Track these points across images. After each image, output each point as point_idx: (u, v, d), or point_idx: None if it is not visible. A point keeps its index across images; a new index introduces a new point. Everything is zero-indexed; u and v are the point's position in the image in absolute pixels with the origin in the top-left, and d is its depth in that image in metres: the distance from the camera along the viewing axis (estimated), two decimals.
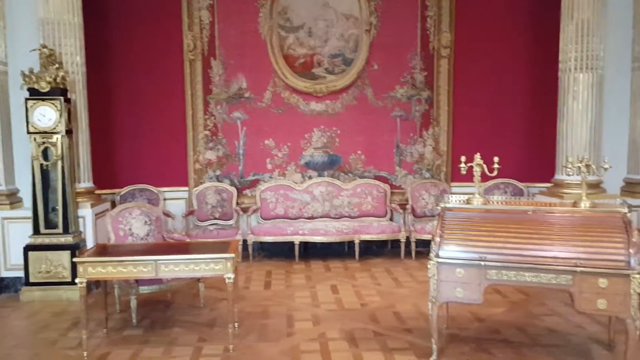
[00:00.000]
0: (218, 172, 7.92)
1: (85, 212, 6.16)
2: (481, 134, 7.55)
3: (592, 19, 5.76)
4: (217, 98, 7.86)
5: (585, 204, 4.11)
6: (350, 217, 7.74)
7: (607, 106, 6.18)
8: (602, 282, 3.69)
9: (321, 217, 7.74)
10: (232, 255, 4.33)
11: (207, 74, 7.79)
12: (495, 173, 4.36)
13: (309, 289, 6.08)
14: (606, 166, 4.30)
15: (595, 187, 5.93)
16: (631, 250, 3.66)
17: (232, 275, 4.30)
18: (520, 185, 7.52)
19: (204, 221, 7.67)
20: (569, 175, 5.81)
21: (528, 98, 7.65)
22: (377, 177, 7.95)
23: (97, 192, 6.82)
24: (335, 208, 7.77)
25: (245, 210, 7.68)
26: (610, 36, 6.10)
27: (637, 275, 3.61)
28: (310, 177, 7.94)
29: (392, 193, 7.88)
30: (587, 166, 4.20)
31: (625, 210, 3.91)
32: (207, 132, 7.88)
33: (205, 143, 7.88)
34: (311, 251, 7.58)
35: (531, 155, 7.56)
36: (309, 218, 7.71)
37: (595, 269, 3.70)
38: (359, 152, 7.97)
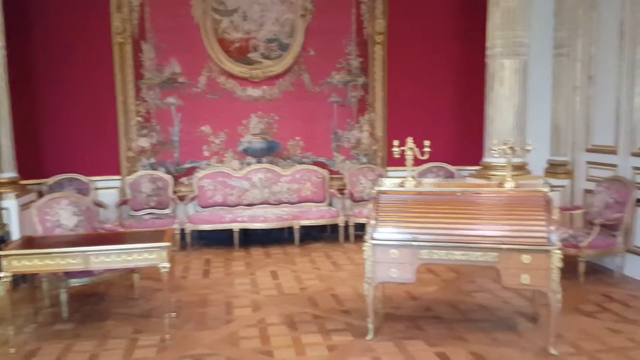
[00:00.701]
0: (152, 160, 7.71)
1: (9, 203, 5.85)
2: (415, 120, 7.74)
3: (517, 7, 6.00)
4: (149, 83, 7.61)
5: (510, 185, 4.32)
6: (289, 203, 7.76)
7: (531, 91, 6.48)
8: (526, 258, 3.90)
9: (260, 203, 7.71)
10: (167, 244, 4.25)
11: (138, 58, 7.53)
12: (426, 157, 4.49)
13: (249, 276, 6.06)
14: (529, 148, 4.53)
15: (521, 168, 6.23)
16: (552, 228, 3.89)
17: (167, 265, 4.22)
18: (451, 168, 7.78)
19: (138, 210, 7.46)
20: (494, 157, 6.13)
21: (459, 84, 7.90)
22: (315, 163, 7.99)
23: (23, 182, 6.48)
24: (274, 194, 7.75)
25: (182, 198, 7.53)
26: (534, 24, 6.37)
27: (557, 251, 3.84)
28: (248, 164, 7.87)
29: (330, 178, 7.94)
30: (511, 149, 4.40)
31: (547, 190, 4.15)
32: (139, 119, 7.63)
33: (137, 130, 7.63)
34: (251, 238, 7.56)
35: (462, 139, 7.84)
36: (248, 205, 7.66)
37: (519, 245, 3.90)
38: (298, 138, 7.97)
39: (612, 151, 5.90)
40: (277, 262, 6.62)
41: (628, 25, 5.58)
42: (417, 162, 4.64)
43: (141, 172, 7.59)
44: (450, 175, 7.74)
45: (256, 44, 7.77)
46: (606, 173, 5.94)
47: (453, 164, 7.84)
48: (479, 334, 4.32)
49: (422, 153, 4.50)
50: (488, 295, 5.25)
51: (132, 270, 5.19)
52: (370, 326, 4.25)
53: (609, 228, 5.50)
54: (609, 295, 5.11)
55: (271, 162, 7.92)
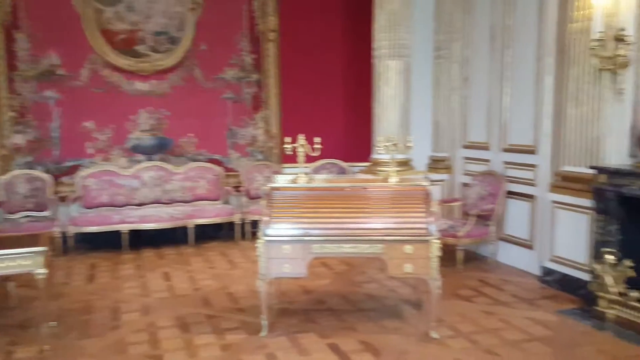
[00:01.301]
0: (29, 159, 7.12)
1: None
2: (309, 117, 7.86)
3: (399, 10, 6.33)
4: (24, 75, 7.02)
5: (394, 180, 4.55)
6: (183, 202, 7.55)
7: (415, 91, 6.86)
8: (408, 248, 4.12)
9: (152, 203, 7.42)
10: (43, 248, 3.96)
11: (10, 49, 6.91)
12: (317, 153, 4.59)
13: (139, 279, 5.82)
14: (410, 145, 4.81)
15: (405, 164, 6.58)
16: (431, 219, 4.15)
17: (43, 271, 3.94)
18: (343, 164, 8.03)
19: (14, 213, 6.86)
20: (381, 154, 6.42)
21: (350, 83, 8.15)
22: (210, 160, 7.85)
23: None
24: (167, 193, 7.50)
25: (64, 199, 7.05)
26: (416, 27, 6.75)
27: (436, 241, 4.11)
28: (138, 162, 7.54)
29: (226, 176, 7.85)
30: (395, 145, 4.64)
31: (426, 184, 4.42)
32: (13, 114, 7.01)
33: (11, 126, 7.01)
34: (143, 240, 7.25)
35: (353, 137, 8.10)
36: (138, 205, 7.34)
37: (403, 237, 4.12)
38: (191, 134, 7.78)
39: (485, 147, 6.42)
40: (170, 264, 6.42)
41: (498, 30, 6.08)
42: (311, 158, 4.74)
43: (16, 172, 6.98)
44: (342, 172, 7.98)
45: (144, 37, 7.45)
46: (480, 167, 6.46)
47: (345, 161, 8.08)
48: (368, 323, 4.51)
49: (313, 150, 4.61)
50: (376, 285, 5.50)
51: (6, 278, 4.77)
52: (264, 322, 4.27)
53: (484, 218, 5.99)
54: (484, 280, 5.56)
55: (163, 160, 7.66)
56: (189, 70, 7.68)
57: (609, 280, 4.32)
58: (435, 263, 4.12)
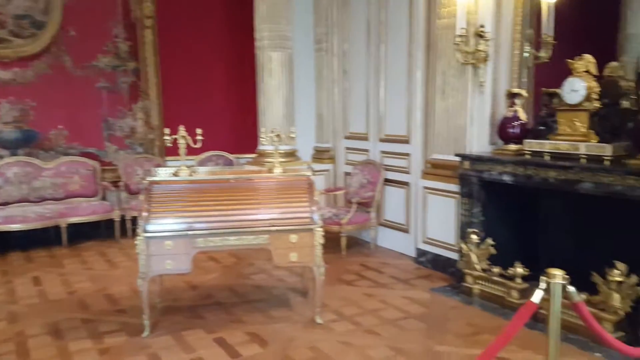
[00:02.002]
0: None
1: None
2: (193, 108, 7.66)
3: (279, 1, 6.37)
4: None
5: (278, 171, 4.59)
6: (55, 199, 7.00)
7: (299, 83, 6.96)
8: (293, 237, 4.19)
9: (18, 201, 6.79)
10: None
11: None
12: (199, 145, 4.49)
13: (4, 285, 5.32)
14: (293, 136, 4.89)
15: (291, 155, 6.67)
16: (314, 208, 4.25)
17: None
18: (230, 156, 7.94)
19: None
20: (267, 145, 6.45)
21: (236, 73, 8.03)
22: (84, 154, 7.35)
23: None
24: (35, 190, 6.91)
25: None
26: (297, 19, 6.83)
27: (319, 229, 4.21)
28: (1, 157, 6.86)
29: (103, 170, 7.40)
30: (278, 137, 4.68)
31: (309, 174, 4.51)
32: None
33: None
34: (9, 242, 6.60)
35: (240, 128, 8.02)
36: (2, 204, 6.68)
37: (287, 226, 4.17)
38: (61, 126, 7.22)
39: (364, 138, 6.70)
40: (41, 267, 5.93)
41: (373, 25, 6.34)
42: (195, 151, 4.61)
43: None
44: (229, 163, 7.88)
45: (4, 20, 6.77)
46: (361, 157, 6.73)
47: (232, 153, 7.99)
48: (256, 314, 4.53)
49: (195, 141, 4.50)
50: (265, 276, 5.53)
51: None
52: (146, 322, 4.12)
53: (364, 205, 6.26)
54: (365, 265, 5.83)
55: (29, 154, 7.03)
56: (57, 57, 7.11)
57: (474, 258, 4.73)
58: (319, 251, 4.22)
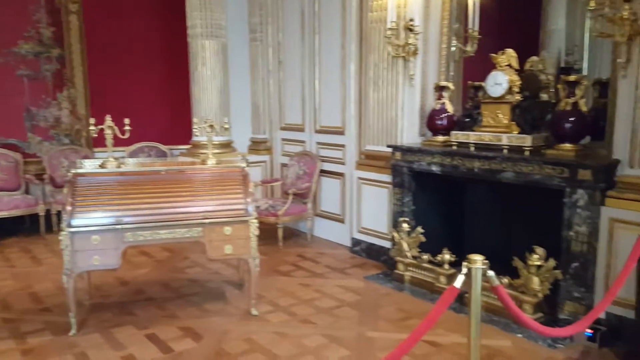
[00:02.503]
0: None
1: None
2: (123, 97, 7.36)
3: None
4: None
5: (212, 162, 4.52)
6: None
7: (234, 73, 6.86)
8: (228, 229, 4.15)
9: None
10: None
11: None
12: (127, 136, 4.34)
13: None
14: (227, 127, 4.82)
15: (227, 146, 6.58)
16: (248, 200, 4.22)
17: None
18: (163, 147, 7.72)
19: None
20: (197, 136, 6.34)
21: (167, 62, 7.80)
22: (5, 146, 6.93)
23: None
24: None
25: None
26: (231, 8, 6.72)
27: (254, 220, 4.19)
28: None
29: (25, 163, 7.02)
30: (211, 127, 4.60)
31: (244, 165, 4.47)
32: None
33: None
34: None
35: (174, 118, 7.80)
36: None
37: (222, 218, 4.12)
38: None
39: (300, 129, 6.71)
40: None
41: (307, 16, 6.34)
42: (125, 142, 4.44)
43: None
44: (162, 155, 7.68)
45: None
46: (297, 148, 6.74)
47: (166, 143, 7.78)
48: (190, 308, 4.46)
49: (123, 132, 4.35)
50: (200, 269, 5.45)
51: None
52: (73, 320, 3.96)
53: (301, 196, 6.29)
54: (302, 255, 5.87)
55: None
56: None
57: (405, 246, 4.87)
58: (254, 242, 4.20)
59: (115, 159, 4.34)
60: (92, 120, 4.29)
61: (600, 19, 3.53)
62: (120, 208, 4.02)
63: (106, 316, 4.30)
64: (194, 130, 6.35)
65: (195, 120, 5.41)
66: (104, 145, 4.41)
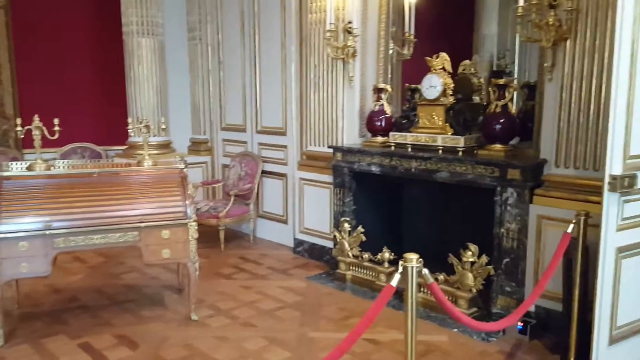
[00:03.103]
0: None
1: None
2: (55, 97, 7.03)
3: None
4: None
5: (148, 164, 4.39)
6: None
7: (172, 72, 6.71)
8: (165, 233, 4.05)
9: None
10: None
11: None
12: (56, 136, 4.15)
13: None
14: (163, 127, 4.70)
15: (166, 147, 6.43)
16: (187, 202, 4.14)
17: None
18: (97, 148, 7.43)
19: None
20: (133, 136, 6.15)
21: (101, 60, 7.49)
22: None
23: None
24: None
25: None
26: (168, 5, 6.57)
27: (193, 223, 4.11)
28: None
29: None
30: (147, 127, 4.48)
31: (182, 166, 4.37)
32: None
33: None
34: None
35: (109, 118, 7.51)
36: None
37: (159, 222, 4.02)
38: None
39: (242, 129, 6.63)
40: None
41: (248, 16, 6.27)
42: (56, 143, 4.25)
43: None
44: (97, 156, 7.39)
45: None
46: (238, 149, 6.66)
47: (100, 144, 7.49)
48: (126, 315, 4.32)
49: (52, 133, 4.15)
50: (136, 274, 5.29)
51: None
52: (0, 331, 3.75)
53: (243, 197, 6.22)
54: (244, 257, 5.81)
55: None
56: None
57: (346, 245, 4.92)
58: (193, 246, 4.13)
59: (45, 160, 4.14)
60: (18, 121, 4.07)
61: (527, 24, 3.70)
62: (50, 213, 3.85)
63: (36, 326, 4.10)
64: (129, 130, 6.14)
65: (130, 120, 5.23)
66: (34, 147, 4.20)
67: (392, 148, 4.65)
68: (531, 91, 4.10)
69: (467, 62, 4.56)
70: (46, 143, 4.23)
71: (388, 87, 4.91)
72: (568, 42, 3.51)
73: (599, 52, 3.38)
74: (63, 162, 4.51)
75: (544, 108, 3.78)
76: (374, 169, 4.76)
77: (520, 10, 3.57)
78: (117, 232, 3.96)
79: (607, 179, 2.81)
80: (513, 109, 3.98)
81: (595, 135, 3.44)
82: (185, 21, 6.89)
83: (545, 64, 3.67)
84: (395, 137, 4.65)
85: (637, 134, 2.86)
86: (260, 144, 6.41)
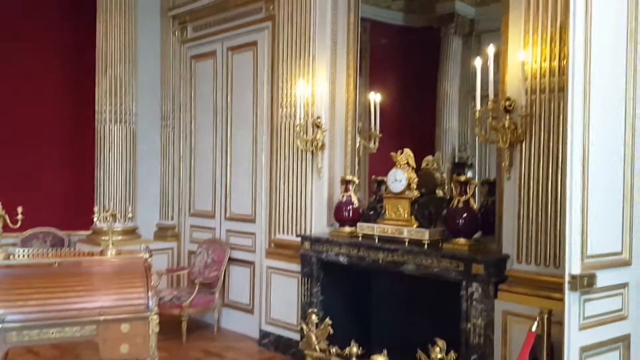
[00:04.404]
0: None
1: None
2: (19, 178, 6.87)
3: (124, 76, 6.28)
4: None
5: (111, 252, 4.31)
6: None
7: (142, 156, 6.75)
8: (125, 327, 3.90)
9: None
10: None
11: None
12: (18, 225, 4.07)
13: None
14: (130, 215, 4.67)
15: (131, 232, 6.33)
16: (149, 294, 4.03)
17: None
18: (60, 233, 7.22)
19: None
20: (101, 223, 6.05)
21: (70, 145, 7.40)
22: None
23: None
24: None
25: None
26: (143, 93, 6.74)
27: (155, 316, 3.98)
28: None
29: None
30: (113, 216, 4.43)
31: (147, 256, 4.30)
32: None
33: None
34: None
35: (74, 202, 7.36)
36: None
37: (118, 315, 3.89)
38: None
39: (210, 215, 6.61)
40: None
41: (221, 106, 6.44)
42: (17, 228, 4.15)
43: None
44: (59, 242, 7.16)
45: None
46: (206, 235, 6.60)
47: (64, 228, 7.29)
48: None
49: (14, 221, 4.07)
50: None
51: None
52: None
53: (209, 286, 6.08)
54: (207, 350, 5.57)
55: None
56: None
57: (313, 338, 4.79)
58: (153, 341, 3.97)
59: (3, 247, 4.03)
60: None
61: (485, 126, 3.92)
62: (4, 305, 3.69)
63: None
64: (94, 219, 6.04)
65: (95, 209, 5.18)
66: None
67: (360, 239, 4.68)
68: (491, 187, 4.26)
69: (429, 157, 4.75)
70: (7, 228, 4.13)
71: (355, 179, 5.03)
72: (524, 143, 3.72)
73: (552, 154, 3.58)
74: (23, 251, 4.38)
75: (504, 205, 3.91)
76: (342, 259, 4.77)
77: (477, 113, 3.81)
78: (74, 325, 3.81)
79: (567, 278, 2.88)
80: (475, 204, 4.11)
81: (554, 233, 3.55)
82: (160, 108, 7.04)
83: (503, 164, 3.86)
84: (363, 227, 4.70)
85: (593, 234, 2.97)
86: (228, 230, 6.38)
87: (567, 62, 3.10)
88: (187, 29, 6.84)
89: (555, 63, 3.54)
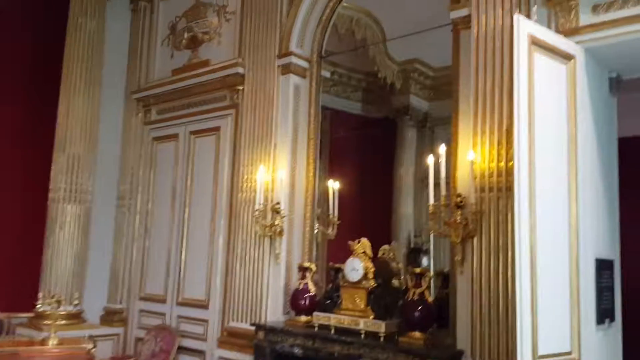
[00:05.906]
0: None
1: None
2: None
3: (82, 155, 6.23)
4: None
5: (53, 342, 4.07)
6: None
7: (95, 238, 6.55)
8: None
9: None
10: None
11: None
12: None
13: None
14: (76, 302, 4.46)
15: (77, 317, 6.00)
16: None
17: None
18: (0, 316, 6.78)
19: None
20: (41, 306, 5.74)
21: (20, 223, 7.13)
22: None
23: None
24: None
25: None
26: (100, 172, 6.66)
27: None
28: None
29: None
30: (58, 302, 4.23)
31: (90, 346, 4.09)
32: None
33: None
34: None
35: (18, 282, 6.98)
36: None
37: None
38: None
39: (162, 300, 6.34)
40: None
41: (179, 189, 6.40)
42: None
43: None
44: None
45: None
46: (156, 321, 6.29)
47: (4, 310, 6.83)
48: None
49: None
50: None
51: None
52: None
53: None
54: None
55: None
56: None
57: None
58: None
59: None
60: None
61: (439, 220, 4.03)
62: None
63: None
64: (38, 305, 5.72)
65: (40, 295, 4.94)
66: None
67: (316, 329, 4.59)
68: (445, 279, 4.32)
69: (386, 247, 4.81)
70: None
71: (313, 266, 5.01)
72: (475, 239, 3.83)
73: (502, 250, 3.68)
74: None
75: (458, 299, 3.95)
76: (297, 351, 4.62)
77: (431, 208, 3.93)
78: None
79: None
80: (430, 297, 4.14)
81: (506, 330, 3.58)
82: (116, 189, 6.94)
83: (456, 258, 3.94)
84: (319, 317, 4.62)
85: (543, 333, 3.03)
86: (179, 316, 6.11)
87: (512, 164, 3.30)
88: (150, 111, 6.91)
89: (503, 164, 3.74)
